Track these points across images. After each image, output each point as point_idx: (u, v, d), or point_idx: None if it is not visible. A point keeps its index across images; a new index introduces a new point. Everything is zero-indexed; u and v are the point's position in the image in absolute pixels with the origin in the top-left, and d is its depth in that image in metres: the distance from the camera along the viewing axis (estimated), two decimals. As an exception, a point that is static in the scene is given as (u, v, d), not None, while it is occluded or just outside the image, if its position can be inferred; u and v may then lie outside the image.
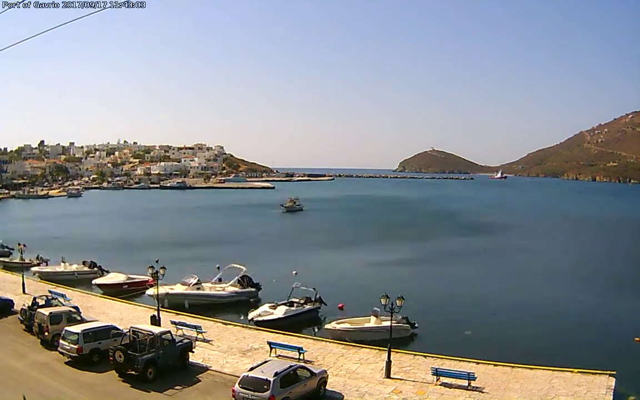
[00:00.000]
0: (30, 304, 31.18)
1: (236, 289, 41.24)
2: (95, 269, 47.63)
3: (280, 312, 34.49)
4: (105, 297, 39.50)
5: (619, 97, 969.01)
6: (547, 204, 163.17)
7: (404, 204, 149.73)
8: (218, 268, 43.99)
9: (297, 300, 36.42)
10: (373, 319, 32.41)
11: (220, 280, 42.11)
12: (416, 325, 33.26)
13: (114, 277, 44.28)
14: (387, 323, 29.54)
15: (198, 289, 39.90)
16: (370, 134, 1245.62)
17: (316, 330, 33.51)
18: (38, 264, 49.98)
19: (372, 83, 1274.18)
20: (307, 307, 36.10)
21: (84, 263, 48.52)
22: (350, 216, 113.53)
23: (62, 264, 48.24)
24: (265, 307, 35.32)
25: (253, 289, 41.72)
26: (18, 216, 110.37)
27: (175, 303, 37.73)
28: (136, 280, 43.68)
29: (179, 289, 39.20)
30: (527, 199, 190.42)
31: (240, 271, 42.43)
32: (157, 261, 35.51)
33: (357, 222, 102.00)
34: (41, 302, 31.23)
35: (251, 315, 34.63)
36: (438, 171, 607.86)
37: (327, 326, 32.42)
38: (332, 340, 29.78)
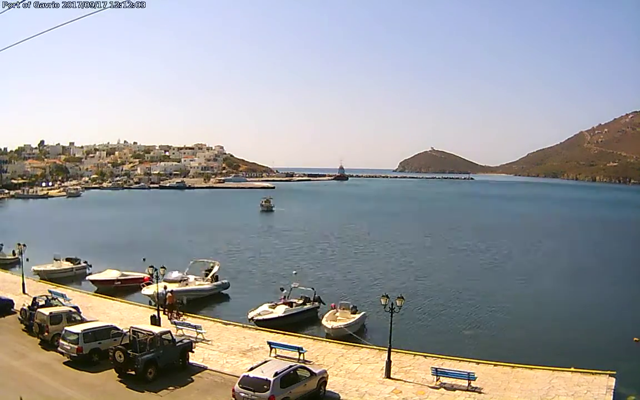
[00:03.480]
0: (30, 304, 31.14)
1: (213, 283, 42.94)
2: (82, 264, 48.87)
3: (279, 311, 34.58)
4: (105, 297, 39.46)
5: (619, 97, 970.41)
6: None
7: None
8: (212, 270, 44.57)
9: (295, 300, 36.53)
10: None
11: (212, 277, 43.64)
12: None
13: (108, 274, 44.71)
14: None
15: (187, 284, 41.09)
16: (370, 134, 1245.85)
17: (315, 329, 33.55)
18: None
19: (372, 83, 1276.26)
20: (307, 306, 36.21)
21: (67, 259, 49.17)
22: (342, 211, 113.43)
23: (55, 262, 48.40)
24: (264, 307, 35.37)
25: (226, 281, 43.95)
26: (17, 216, 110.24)
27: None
28: (130, 277, 44.11)
29: (175, 287, 39.24)
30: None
31: (208, 265, 44.67)
32: (161, 266, 35.38)
33: (351, 220, 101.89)
34: (41, 302, 31.17)
35: (251, 314, 34.63)
36: (438, 171, 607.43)
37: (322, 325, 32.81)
38: (332, 340, 29.80)
